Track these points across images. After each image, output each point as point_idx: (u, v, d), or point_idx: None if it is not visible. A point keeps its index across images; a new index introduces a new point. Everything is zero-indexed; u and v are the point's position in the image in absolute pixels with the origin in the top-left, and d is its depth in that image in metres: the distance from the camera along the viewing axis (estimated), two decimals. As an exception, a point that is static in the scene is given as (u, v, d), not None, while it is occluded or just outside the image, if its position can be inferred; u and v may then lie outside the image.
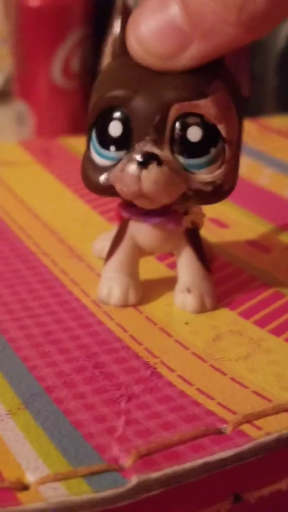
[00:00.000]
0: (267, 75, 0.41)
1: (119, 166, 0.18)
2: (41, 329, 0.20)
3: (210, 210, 0.21)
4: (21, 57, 0.47)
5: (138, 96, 0.18)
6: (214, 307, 0.21)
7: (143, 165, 0.17)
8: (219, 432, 0.15)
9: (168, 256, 0.23)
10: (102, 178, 0.18)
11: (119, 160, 0.18)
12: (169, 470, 0.14)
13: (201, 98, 0.17)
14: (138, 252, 0.21)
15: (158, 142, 0.18)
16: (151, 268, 0.23)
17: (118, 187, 0.18)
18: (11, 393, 0.17)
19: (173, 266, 0.23)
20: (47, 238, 0.25)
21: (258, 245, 0.25)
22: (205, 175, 0.18)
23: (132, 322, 0.20)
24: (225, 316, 0.20)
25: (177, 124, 0.18)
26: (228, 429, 0.15)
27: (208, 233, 0.24)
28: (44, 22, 0.45)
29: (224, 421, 0.16)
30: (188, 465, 0.14)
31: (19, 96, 0.48)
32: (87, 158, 0.19)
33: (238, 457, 0.15)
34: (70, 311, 0.21)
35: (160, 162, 0.17)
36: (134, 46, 0.17)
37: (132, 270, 0.21)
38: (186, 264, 0.21)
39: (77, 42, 0.46)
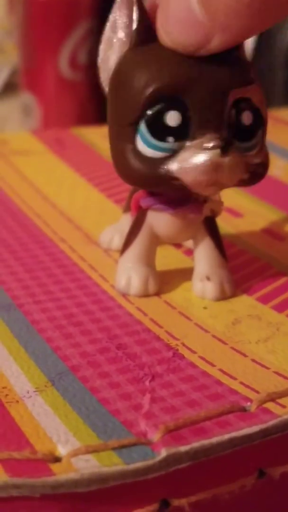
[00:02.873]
0: (275, 69, 0.41)
1: (185, 156, 0.18)
2: (63, 311, 0.20)
3: (224, 199, 0.21)
4: (28, 49, 0.48)
5: (197, 83, 0.18)
6: (233, 294, 0.21)
7: (225, 151, 0.17)
8: (244, 410, 0.16)
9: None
10: (163, 170, 0.18)
11: (176, 151, 0.18)
12: (197, 444, 0.14)
13: (251, 84, 0.18)
14: (156, 241, 0.21)
15: (218, 129, 0.18)
16: (168, 255, 0.23)
17: (190, 177, 0.18)
18: (37, 371, 0.17)
19: (189, 252, 0.23)
20: (64, 226, 0.26)
21: (272, 233, 0.25)
22: (254, 157, 0.18)
23: (152, 306, 0.21)
24: (243, 301, 0.21)
25: (233, 110, 0.18)
26: (252, 407, 0.16)
27: (222, 222, 0.25)
28: (51, 14, 0.46)
29: (248, 399, 0.16)
30: (215, 439, 0.15)
31: (26, 88, 0.49)
32: (131, 152, 0.18)
33: (263, 433, 0.15)
34: (90, 295, 0.21)
35: (236, 147, 0.18)
36: (163, 36, 0.18)
37: (150, 260, 0.21)
38: (204, 252, 0.21)
39: (84, 34, 0.47)
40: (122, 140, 0.19)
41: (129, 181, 0.19)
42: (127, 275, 0.21)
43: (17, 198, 0.28)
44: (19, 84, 0.50)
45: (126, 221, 0.23)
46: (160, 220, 0.20)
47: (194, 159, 0.18)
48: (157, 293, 0.21)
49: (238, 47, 0.18)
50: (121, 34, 0.19)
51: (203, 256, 0.21)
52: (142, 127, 0.18)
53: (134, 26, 0.19)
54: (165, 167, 0.18)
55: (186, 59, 0.18)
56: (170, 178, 0.18)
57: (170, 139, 0.18)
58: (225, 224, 0.25)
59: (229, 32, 0.17)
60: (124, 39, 0.19)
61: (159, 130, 0.18)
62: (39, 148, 0.33)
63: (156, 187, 0.19)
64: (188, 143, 0.18)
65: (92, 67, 0.49)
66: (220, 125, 0.18)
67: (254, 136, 0.18)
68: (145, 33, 0.18)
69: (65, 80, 0.47)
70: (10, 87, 0.55)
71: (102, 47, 0.20)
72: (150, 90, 0.18)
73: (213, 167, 0.18)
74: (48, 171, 0.31)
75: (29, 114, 0.49)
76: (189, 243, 0.23)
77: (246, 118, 0.18)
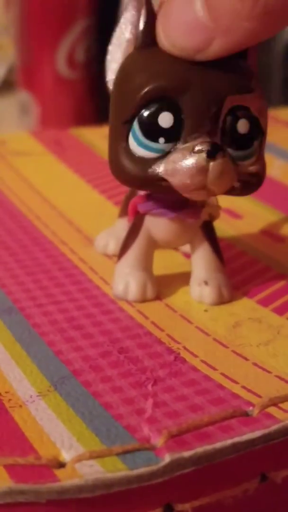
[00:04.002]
0: (273, 68, 0.41)
1: (173, 158, 0.18)
2: (64, 315, 0.20)
3: (223, 201, 0.21)
4: (25, 47, 0.47)
5: (193, 87, 0.18)
6: (231, 298, 0.21)
7: (212, 156, 0.17)
8: (246, 414, 0.16)
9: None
10: (151, 170, 0.18)
11: (166, 152, 0.18)
12: (200, 449, 0.15)
13: (249, 92, 0.18)
14: (153, 246, 0.21)
15: (211, 134, 0.18)
16: (167, 257, 0.24)
17: (176, 179, 0.18)
18: (39, 376, 0.17)
19: (189, 255, 0.23)
20: (64, 228, 0.26)
21: (272, 235, 0.26)
22: (249, 167, 0.18)
23: (153, 309, 0.21)
24: (244, 304, 0.21)
25: (229, 117, 0.18)
26: (254, 411, 0.16)
27: (222, 223, 0.25)
28: (49, 11, 0.46)
29: (250, 404, 0.16)
30: (218, 444, 0.15)
31: (23, 86, 0.49)
32: (123, 151, 0.19)
33: (266, 438, 0.15)
34: (91, 298, 0.21)
35: (225, 153, 0.18)
36: (162, 40, 0.18)
37: (147, 265, 0.21)
38: (202, 257, 0.21)
39: (82, 32, 0.46)
40: (117, 138, 0.19)
41: (120, 179, 0.19)
42: (124, 280, 0.21)
43: (16, 200, 0.28)
44: (16, 82, 0.50)
45: (121, 225, 0.23)
46: (158, 225, 0.20)
47: (182, 161, 0.18)
48: (158, 296, 0.21)
49: (243, 56, 0.18)
50: (128, 34, 0.19)
51: (201, 261, 0.21)
52: (135, 126, 0.18)
53: (141, 27, 0.19)
54: (154, 167, 0.18)
55: (185, 63, 0.18)
56: (158, 179, 0.18)
57: (161, 140, 0.18)
58: (224, 225, 0.25)
59: (230, 36, 0.17)
60: (131, 39, 0.19)
61: (151, 130, 0.18)
62: (37, 149, 0.33)
63: (145, 187, 0.19)
64: (178, 146, 0.18)
65: (89, 65, 0.50)
66: (214, 130, 0.18)
67: (251, 145, 0.18)
68: (152, 35, 0.18)
69: (62, 78, 0.47)
70: (7, 85, 0.55)
71: (111, 47, 0.20)
72: (145, 90, 0.18)
73: (198, 171, 0.18)
74: (48, 172, 0.31)
75: (26, 112, 0.49)
76: (185, 248, 0.23)
77: (242, 126, 0.18)
